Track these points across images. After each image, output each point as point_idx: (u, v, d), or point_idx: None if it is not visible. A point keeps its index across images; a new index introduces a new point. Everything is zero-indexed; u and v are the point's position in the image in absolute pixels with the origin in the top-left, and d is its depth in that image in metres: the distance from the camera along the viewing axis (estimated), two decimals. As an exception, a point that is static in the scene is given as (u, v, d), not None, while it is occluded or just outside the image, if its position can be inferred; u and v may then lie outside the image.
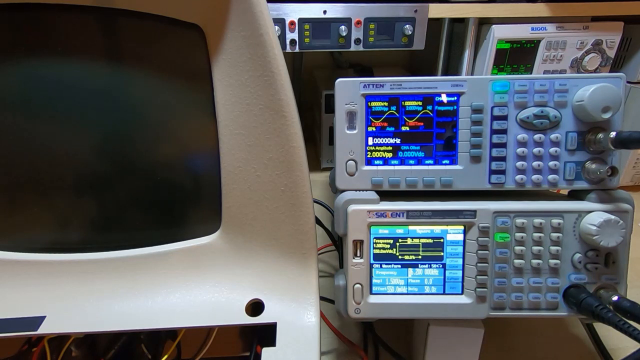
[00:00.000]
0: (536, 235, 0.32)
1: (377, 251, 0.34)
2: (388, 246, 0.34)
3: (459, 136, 0.33)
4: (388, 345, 0.41)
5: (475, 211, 0.32)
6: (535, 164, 0.33)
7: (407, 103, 0.34)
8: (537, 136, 0.33)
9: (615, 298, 0.30)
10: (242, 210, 0.36)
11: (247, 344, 0.41)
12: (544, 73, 0.67)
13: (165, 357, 0.38)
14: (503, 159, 0.33)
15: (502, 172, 0.33)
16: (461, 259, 0.33)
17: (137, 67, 0.33)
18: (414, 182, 0.34)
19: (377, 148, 0.34)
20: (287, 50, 0.62)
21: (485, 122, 0.33)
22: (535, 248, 0.32)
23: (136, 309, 0.35)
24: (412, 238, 0.33)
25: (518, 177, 0.33)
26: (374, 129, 0.34)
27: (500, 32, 0.64)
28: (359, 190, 0.34)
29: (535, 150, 0.33)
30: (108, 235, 0.37)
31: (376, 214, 0.33)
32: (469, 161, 0.34)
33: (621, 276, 0.32)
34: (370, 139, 0.34)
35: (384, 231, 0.33)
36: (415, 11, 0.61)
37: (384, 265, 0.34)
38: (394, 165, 0.34)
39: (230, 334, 0.42)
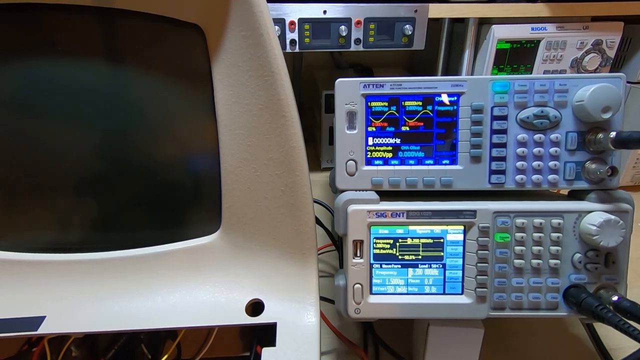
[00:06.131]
0: (536, 235, 0.32)
1: (377, 251, 0.34)
2: (388, 246, 0.34)
3: (459, 136, 0.33)
4: (388, 345, 0.41)
5: (475, 211, 0.32)
6: (535, 164, 0.33)
7: (407, 103, 0.34)
8: (537, 136, 0.33)
9: (615, 298, 0.30)
10: (242, 210, 0.36)
11: (247, 344, 0.41)
12: (544, 73, 0.67)
13: (165, 357, 0.38)
14: (503, 159, 0.33)
15: (502, 172, 0.33)
16: (461, 259, 0.33)
17: (137, 67, 0.33)
18: (414, 182, 0.34)
19: (377, 148, 0.34)
20: (287, 50, 0.62)
21: (485, 122, 0.33)
22: (535, 248, 0.32)
23: (136, 309, 0.35)
24: (412, 238, 0.33)
25: (518, 177, 0.33)
26: (374, 129, 0.34)
27: (500, 32, 0.64)
28: (359, 190, 0.34)
29: (535, 150, 0.33)
30: (108, 235, 0.37)
31: (376, 214, 0.33)
32: (469, 161, 0.34)
33: (621, 276, 0.32)
34: (370, 139, 0.34)
35: (384, 231, 0.33)
36: (415, 11, 0.61)
37: (384, 265, 0.34)
38: (394, 165, 0.34)
39: (230, 334, 0.42)
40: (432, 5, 0.61)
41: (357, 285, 0.33)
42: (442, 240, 0.33)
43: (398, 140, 0.34)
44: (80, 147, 0.34)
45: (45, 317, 0.33)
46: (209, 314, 0.34)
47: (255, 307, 0.35)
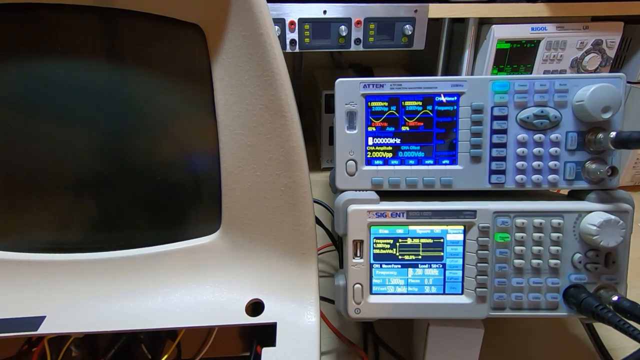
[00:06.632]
0: (536, 235, 0.32)
1: (377, 251, 0.34)
2: (388, 246, 0.34)
3: (459, 136, 0.33)
4: (388, 345, 0.41)
5: (475, 211, 0.32)
6: (535, 164, 0.33)
7: (407, 103, 0.34)
8: (537, 136, 0.33)
9: (615, 298, 0.30)
10: (242, 210, 0.36)
11: (247, 344, 0.41)
12: (544, 73, 0.67)
13: (165, 357, 0.38)
14: (503, 159, 0.33)
15: (502, 172, 0.33)
16: (461, 259, 0.33)
17: (137, 67, 0.33)
18: (414, 182, 0.34)
19: (377, 148, 0.34)
20: (287, 50, 0.62)
21: (485, 122, 0.33)
22: (535, 248, 0.32)
23: (136, 309, 0.35)
24: (412, 238, 0.33)
25: (518, 177, 0.33)
26: (374, 129, 0.34)
27: (500, 32, 0.64)
28: (359, 190, 0.34)
29: (535, 150, 0.33)
30: (108, 235, 0.37)
31: (376, 214, 0.33)
32: (469, 161, 0.34)
33: (621, 276, 0.32)
34: (370, 139, 0.34)
35: (384, 231, 0.33)
36: (415, 11, 0.61)
37: (384, 265, 0.34)
38: (394, 165, 0.34)
39: (230, 334, 0.42)
40: (432, 5, 0.61)
41: (357, 285, 0.33)
42: (442, 240, 0.33)
43: (398, 140, 0.34)
44: (80, 147, 0.34)
45: (45, 317, 0.33)
46: (209, 314, 0.34)
47: (255, 307, 0.35)
